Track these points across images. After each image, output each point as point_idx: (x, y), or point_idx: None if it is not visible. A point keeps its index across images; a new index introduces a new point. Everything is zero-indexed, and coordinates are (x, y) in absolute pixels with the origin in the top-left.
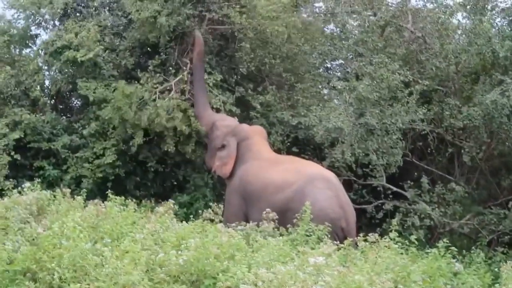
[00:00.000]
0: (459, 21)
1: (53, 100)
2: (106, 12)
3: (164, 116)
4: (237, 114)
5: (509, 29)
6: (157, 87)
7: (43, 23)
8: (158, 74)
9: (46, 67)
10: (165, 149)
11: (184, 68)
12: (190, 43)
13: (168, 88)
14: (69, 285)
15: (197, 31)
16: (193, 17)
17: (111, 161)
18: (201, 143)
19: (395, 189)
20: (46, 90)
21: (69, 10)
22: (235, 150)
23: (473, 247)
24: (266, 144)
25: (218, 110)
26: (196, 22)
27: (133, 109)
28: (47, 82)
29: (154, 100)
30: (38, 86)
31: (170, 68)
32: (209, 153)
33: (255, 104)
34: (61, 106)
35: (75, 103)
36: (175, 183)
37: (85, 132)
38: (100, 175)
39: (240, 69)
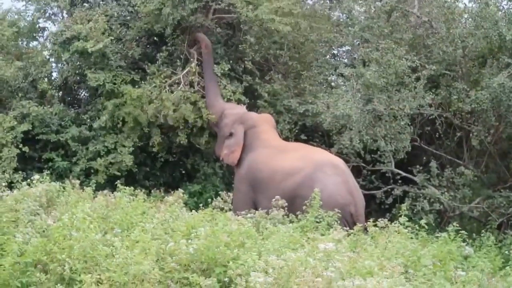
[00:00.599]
0: (465, 5)
1: (61, 92)
2: (113, 1)
3: (171, 107)
4: (245, 103)
5: None
6: (165, 82)
7: (51, 16)
8: (166, 68)
9: (53, 59)
10: (178, 142)
11: (192, 59)
12: (196, 43)
13: (176, 81)
14: (80, 275)
15: (199, 34)
16: (198, 10)
17: (129, 163)
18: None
19: (404, 174)
20: (53, 82)
21: (76, 2)
22: (242, 138)
23: (483, 231)
24: (275, 132)
25: (228, 100)
26: (203, 13)
27: (145, 110)
28: (54, 74)
29: (161, 93)
30: (46, 78)
31: (178, 60)
32: (218, 141)
33: (263, 93)
34: (68, 98)
35: (82, 94)
36: (184, 172)
37: (95, 125)
38: (114, 171)
39: (245, 61)
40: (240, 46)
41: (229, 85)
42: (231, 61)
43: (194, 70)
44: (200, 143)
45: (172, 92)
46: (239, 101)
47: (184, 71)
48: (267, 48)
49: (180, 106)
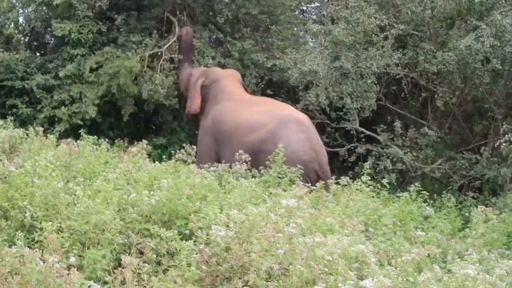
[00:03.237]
0: None
1: (27, 38)
2: None
3: (162, 93)
4: (225, 65)
5: None
6: (144, 49)
7: None
8: (148, 38)
9: (20, 5)
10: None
11: (173, 30)
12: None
13: (158, 53)
14: (40, 223)
15: (186, 28)
16: None
17: (93, 114)
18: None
19: (368, 132)
20: (20, 28)
21: None
22: (199, 86)
23: (444, 192)
24: (240, 86)
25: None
26: None
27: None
28: (21, 20)
29: (144, 67)
30: (12, 24)
31: (155, 22)
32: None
33: (233, 52)
34: (35, 44)
35: (49, 41)
36: (150, 125)
37: (61, 74)
38: (77, 121)
39: (218, 18)
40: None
41: (208, 51)
42: (204, 17)
43: (175, 47)
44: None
45: (152, 61)
46: (219, 64)
47: (167, 45)
48: (239, 6)
49: (171, 92)
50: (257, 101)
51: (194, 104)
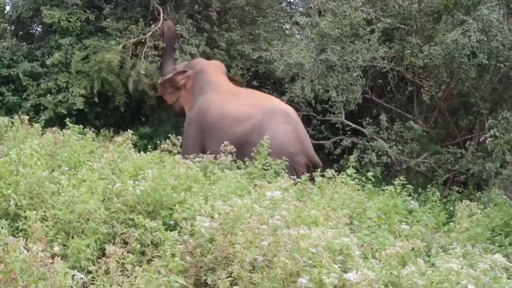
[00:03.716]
0: None
1: (14, 26)
2: None
3: (146, 83)
4: (210, 56)
5: None
6: (129, 37)
7: None
8: (132, 26)
9: None
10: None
11: (158, 17)
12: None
13: (142, 40)
14: (25, 212)
15: (168, 22)
16: None
17: (80, 106)
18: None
19: (353, 125)
20: (6, 16)
21: None
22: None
23: (429, 186)
24: (225, 77)
25: (192, 56)
26: None
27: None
28: (7, 8)
29: (128, 55)
30: None
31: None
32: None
33: (220, 43)
34: (21, 33)
35: (36, 30)
36: (138, 116)
37: (48, 62)
38: (63, 110)
39: (206, 10)
40: None
41: (193, 39)
42: (190, 8)
43: (158, 33)
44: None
45: (136, 48)
46: (203, 53)
47: (150, 32)
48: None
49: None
50: (243, 93)
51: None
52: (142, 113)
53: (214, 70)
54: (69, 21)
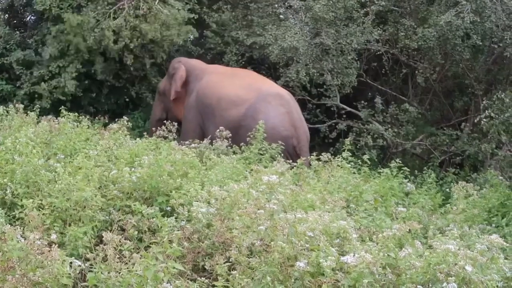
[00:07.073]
0: None
1: (7, 15)
2: None
3: (111, 37)
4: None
5: None
6: (109, 8)
7: None
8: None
9: None
10: (124, 63)
11: None
12: None
13: (121, 7)
14: (21, 200)
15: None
16: None
17: (72, 88)
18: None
19: (348, 109)
20: None
21: None
22: (184, 70)
23: (425, 168)
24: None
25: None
26: None
27: (87, 38)
28: None
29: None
30: None
31: None
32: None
33: (211, 24)
34: (14, 21)
35: (29, 18)
36: (129, 100)
37: (42, 51)
38: (58, 96)
39: None
40: None
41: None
42: None
43: None
44: (145, 68)
45: (115, 18)
46: (188, 20)
47: None
48: None
49: (122, 34)
50: (239, 74)
51: (176, 86)
52: (133, 98)
53: (209, 65)
54: (61, 8)
